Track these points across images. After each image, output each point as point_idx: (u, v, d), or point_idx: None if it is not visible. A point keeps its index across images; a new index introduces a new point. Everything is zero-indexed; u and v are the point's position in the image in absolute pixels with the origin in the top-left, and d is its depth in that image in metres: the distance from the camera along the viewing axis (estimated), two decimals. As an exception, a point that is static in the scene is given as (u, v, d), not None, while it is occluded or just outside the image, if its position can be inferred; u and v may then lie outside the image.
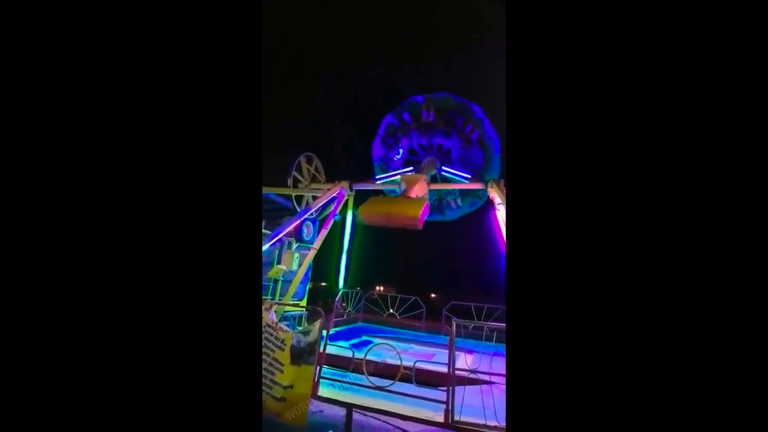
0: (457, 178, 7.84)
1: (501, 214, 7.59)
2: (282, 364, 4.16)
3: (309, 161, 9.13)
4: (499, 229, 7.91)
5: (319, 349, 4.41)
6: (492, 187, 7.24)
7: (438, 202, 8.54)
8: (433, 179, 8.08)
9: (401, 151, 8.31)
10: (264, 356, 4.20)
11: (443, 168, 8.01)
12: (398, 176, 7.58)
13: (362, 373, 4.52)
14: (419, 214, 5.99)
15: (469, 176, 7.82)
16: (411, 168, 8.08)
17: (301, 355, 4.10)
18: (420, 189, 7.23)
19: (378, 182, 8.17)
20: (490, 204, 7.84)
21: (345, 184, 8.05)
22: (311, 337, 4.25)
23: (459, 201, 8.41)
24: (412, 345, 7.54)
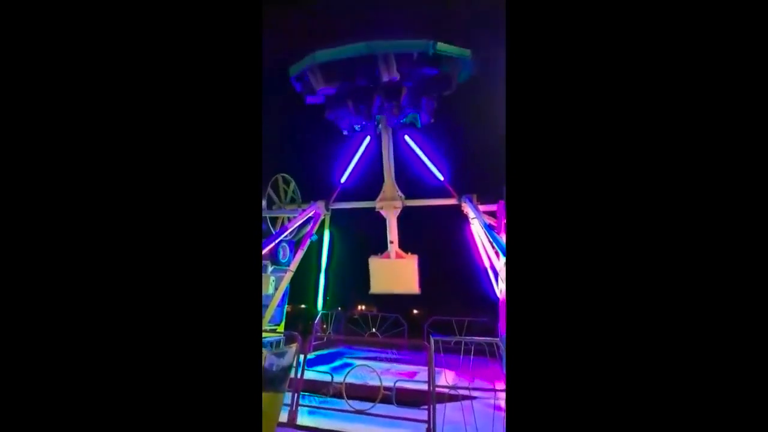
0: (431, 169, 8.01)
1: (475, 227, 7.77)
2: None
3: (284, 182, 9.07)
4: (474, 243, 8.07)
5: (296, 375, 4.28)
6: (465, 203, 7.42)
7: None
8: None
9: (348, 131, 7.86)
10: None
11: (407, 141, 7.97)
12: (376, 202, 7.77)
13: (342, 398, 4.40)
14: (417, 288, 7.87)
15: (443, 178, 8.00)
16: (368, 140, 8.03)
17: (272, 381, 3.91)
18: (398, 210, 7.67)
19: (350, 190, 8.32)
20: (464, 219, 8.01)
21: (321, 203, 8.03)
22: (285, 361, 4.10)
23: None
24: (394, 364, 7.43)
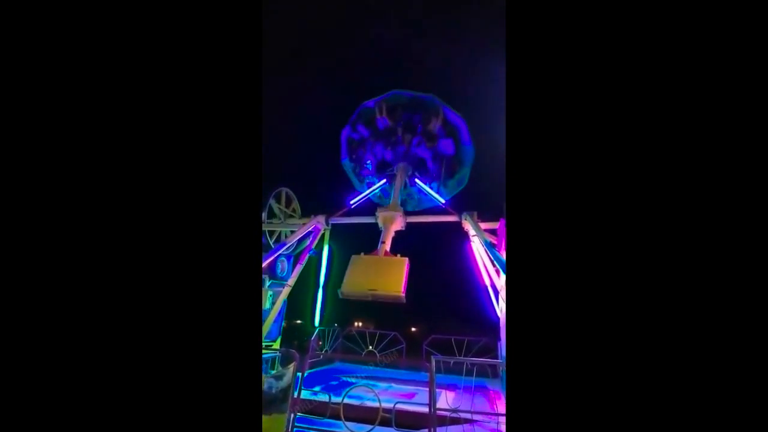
0: (431, 195, 8.12)
1: (475, 245, 7.74)
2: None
3: (284, 196, 9.07)
4: (475, 260, 8.03)
5: (293, 394, 4.15)
6: (466, 219, 7.42)
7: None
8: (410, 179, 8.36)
9: (369, 164, 8.58)
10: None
11: (416, 181, 8.27)
12: (375, 211, 7.61)
13: (340, 419, 4.26)
14: (401, 290, 5.90)
15: (444, 201, 8.02)
16: (385, 181, 8.30)
17: (273, 402, 3.81)
18: (398, 224, 7.34)
19: (353, 212, 8.25)
20: (464, 236, 7.99)
21: (321, 218, 8.00)
22: (284, 383, 4.00)
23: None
24: (392, 384, 7.25)
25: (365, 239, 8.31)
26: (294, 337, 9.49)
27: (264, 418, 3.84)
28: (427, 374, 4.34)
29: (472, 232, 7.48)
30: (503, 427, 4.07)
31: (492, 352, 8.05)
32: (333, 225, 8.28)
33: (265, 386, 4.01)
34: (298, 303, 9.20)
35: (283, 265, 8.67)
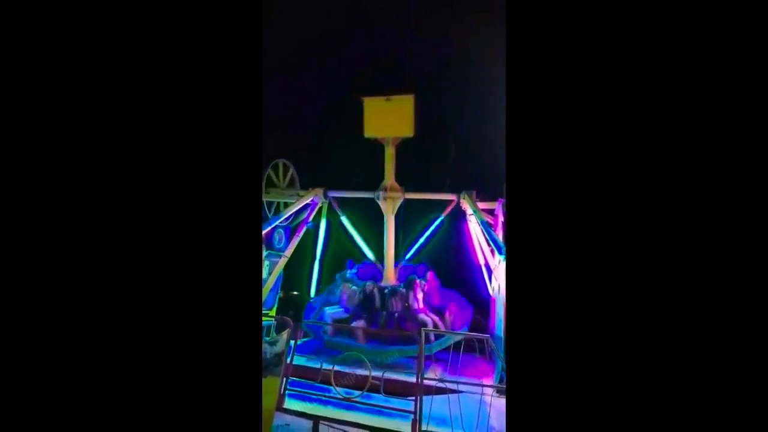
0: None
1: (472, 224, 7.77)
2: (245, 377, 4.01)
3: (282, 168, 8.99)
4: (471, 239, 8.08)
5: (286, 360, 4.28)
6: (464, 198, 7.41)
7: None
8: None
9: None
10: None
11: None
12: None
13: (330, 385, 4.42)
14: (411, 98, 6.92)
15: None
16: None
17: (267, 366, 3.96)
18: (397, 197, 7.37)
19: (352, 188, 8.22)
20: (462, 215, 8.01)
21: (319, 191, 7.98)
22: (278, 348, 4.13)
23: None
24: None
25: (364, 213, 8.34)
26: (290, 307, 9.68)
27: (258, 380, 3.99)
28: (416, 346, 4.47)
29: (469, 211, 7.48)
30: (487, 398, 4.23)
31: (482, 329, 8.26)
32: (331, 198, 8.27)
33: (260, 351, 4.14)
34: (294, 274, 9.32)
35: (280, 237, 8.71)
